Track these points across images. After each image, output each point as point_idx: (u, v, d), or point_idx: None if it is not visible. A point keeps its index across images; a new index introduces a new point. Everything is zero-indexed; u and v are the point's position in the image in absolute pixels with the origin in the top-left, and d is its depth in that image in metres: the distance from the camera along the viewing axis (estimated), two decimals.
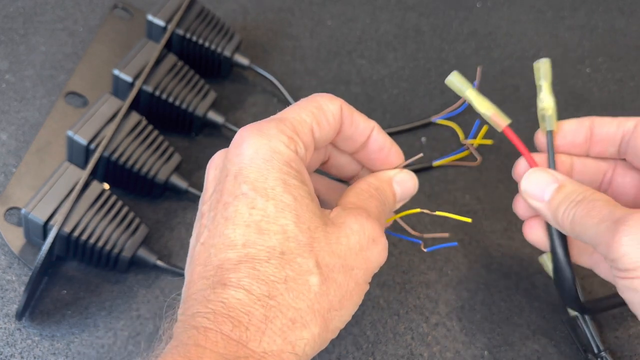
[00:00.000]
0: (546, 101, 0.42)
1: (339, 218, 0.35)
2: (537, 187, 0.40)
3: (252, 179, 0.33)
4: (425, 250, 0.44)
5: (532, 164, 0.41)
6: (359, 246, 0.35)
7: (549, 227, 0.42)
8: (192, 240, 0.36)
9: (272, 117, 0.36)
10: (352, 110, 0.38)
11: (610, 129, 0.42)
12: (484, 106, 0.42)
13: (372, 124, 0.39)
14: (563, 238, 0.42)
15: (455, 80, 0.42)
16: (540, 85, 0.42)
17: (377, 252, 0.36)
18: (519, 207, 0.44)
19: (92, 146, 0.48)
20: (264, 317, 0.31)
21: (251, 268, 0.32)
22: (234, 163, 0.34)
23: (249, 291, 0.31)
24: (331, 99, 0.37)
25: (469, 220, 0.43)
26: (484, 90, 0.44)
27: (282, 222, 0.33)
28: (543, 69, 0.42)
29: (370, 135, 0.39)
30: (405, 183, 0.41)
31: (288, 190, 0.33)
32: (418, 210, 0.43)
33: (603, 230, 0.35)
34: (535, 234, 0.43)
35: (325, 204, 0.41)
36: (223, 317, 0.31)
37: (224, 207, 0.34)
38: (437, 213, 0.42)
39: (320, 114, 0.37)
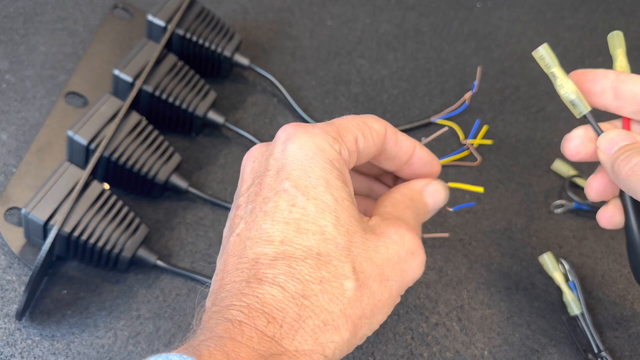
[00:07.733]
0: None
1: (379, 227, 0.35)
2: (609, 142, 0.39)
3: (295, 176, 0.33)
4: (450, 210, 0.44)
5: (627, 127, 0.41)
6: (397, 257, 0.35)
7: (624, 203, 0.41)
8: (225, 232, 0.36)
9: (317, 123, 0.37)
10: (396, 131, 0.39)
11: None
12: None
13: (415, 142, 0.40)
14: (639, 212, 0.41)
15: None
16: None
17: (414, 266, 0.36)
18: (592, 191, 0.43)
19: (92, 146, 0.48)
20: (298, 316, 0.31)
21: (287, 266, 0.32)
22: (277, 159, 0.34)
23: (284, 288, 0.31)
24: (377, 119, 0.38)
25: (481, 189, 0.42)
26: (483, 90, 0.44)
27: (322, 223, 0.33)
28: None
29: (413, 153, 0.40)
30: (437, 194, 0.40)
31: (329, 190, 0.33)
32: None
33: None
34: (610, 220, 0.43)
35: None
36: (257, 312, 0.31)
37: (263, 201, 0.33)
38: (450, 185, 0.42)
39: (366, 127, 0.37)
